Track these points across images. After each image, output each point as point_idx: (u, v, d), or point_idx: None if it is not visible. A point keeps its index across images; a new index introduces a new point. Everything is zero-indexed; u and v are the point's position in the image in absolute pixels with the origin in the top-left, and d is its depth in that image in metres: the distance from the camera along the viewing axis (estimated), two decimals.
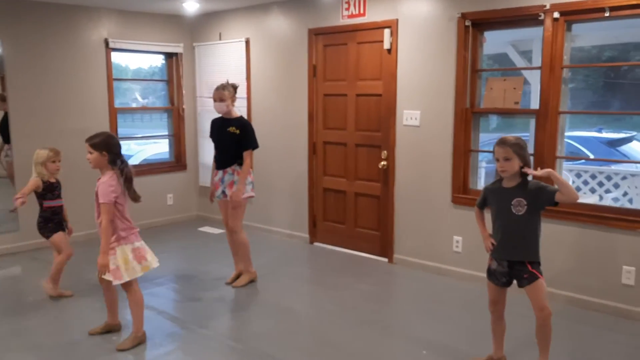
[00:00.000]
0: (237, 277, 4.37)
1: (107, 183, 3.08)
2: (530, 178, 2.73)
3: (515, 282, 2.79)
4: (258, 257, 4.54)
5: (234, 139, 4.12)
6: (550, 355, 2.78)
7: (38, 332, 3.50)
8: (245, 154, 4.11)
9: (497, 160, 2.72)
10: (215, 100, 4.16)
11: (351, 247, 5.24)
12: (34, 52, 5.23)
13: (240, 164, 4.14)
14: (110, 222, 3.07)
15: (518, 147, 2.67)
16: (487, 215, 2.95)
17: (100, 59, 5.69)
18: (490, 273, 2.86)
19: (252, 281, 4.33)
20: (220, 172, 4.23)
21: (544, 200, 2.66)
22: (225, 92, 4.13)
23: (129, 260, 3.16)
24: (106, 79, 5.74)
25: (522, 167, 2.69)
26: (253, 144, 4.16)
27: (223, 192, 4.21)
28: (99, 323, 3.47)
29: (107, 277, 3.14)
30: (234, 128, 4.12)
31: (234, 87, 4.22)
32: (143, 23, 5.99)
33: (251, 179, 4.20)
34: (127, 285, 3.20)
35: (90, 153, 3.11)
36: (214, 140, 4.31)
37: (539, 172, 2.62)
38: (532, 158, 4.08)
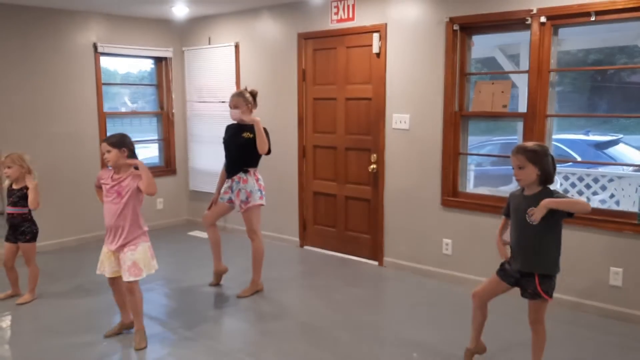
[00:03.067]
0: (219, 275, 4.41)
1: (138, 175, 3.23)
2: (552, 187, 2.64)
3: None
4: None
5: (247, 145, 4.03)
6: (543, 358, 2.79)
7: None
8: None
9: (514, 168, 2.65)
10: (230, 107, 4.09)
11: (341, 251, 5.25)
12: (21, 56, 5.19)
13: (246, 171, 4.08)
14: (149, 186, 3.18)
15: (533, 154, 2.58)
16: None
17: (89, 63, 5.66)
18: (502, 269, 2.80)
19: (257, 292, 4.25)
20: (229, 181, 4.17)
21: (560, 211, 2.55)
22: (241, 99, 4.05)
23: (148, 256, 3.28)
24: (95, 83, 5.71)
25: (539, 175, 2.59)
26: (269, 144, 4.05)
27: (230, 198, 4.17)
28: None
29: (127, 277, 3.19)
30: (248, 133, 4.04)
31: (253, 94, 4.13)
32: (132, 27, 5.97)
33: (261, 188, 4.13)
34: (135, 284, 3.24)
35: (109, 152, 3.20)
36: (225, 146, 4.21)
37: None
38: None
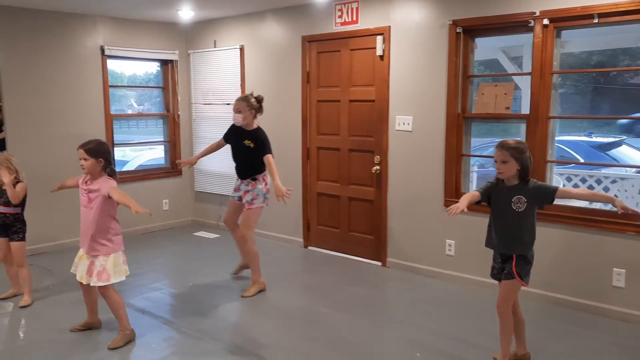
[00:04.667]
0: (242, 267, 4.57)
1: (109, 181, 3.22)
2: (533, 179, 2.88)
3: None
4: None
5: (249, 152, 4.11)
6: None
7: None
8: (266, 160, 4.05)
9: (496, 162, 2.85)
10: (233, 110, 4.14)
11: (345, 251, 5.28)
12: (30, 59, 5.25)
13: (255, 178, 4.16)
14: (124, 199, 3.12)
15: (516, 150, 2.79)
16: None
17: (96, 66, 5.72)
18: (493, 274, 3.01)
19: (261, 291, 4.29)
20: (238, 180, 4.29)
21: (542, 198, 2.83)
22: (244, 104, 4.07)
23: (119, 263, 3.28)
24: (102, 85, 5.77)
25: (519, 170, 2.80)
26: (269, 150, 4.09)
27: (239, 197, 4.26)
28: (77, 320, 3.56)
29: (93, 281, 3.20)
30: (248, 141, 4.10)
31: (258, 100, 4.15)
32: (139, 30, 6.04)
33: (267, 192, 4.18)
34: (105, 289, 3.25)
35: (85, 160, 3.19)
36: (232, 147, 4.28)
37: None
38: None
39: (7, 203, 3.92)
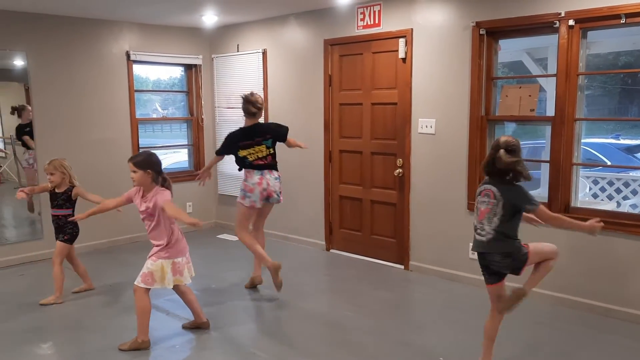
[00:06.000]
0: (252, 283, 4.51)
1: (163, 193, 3.28)
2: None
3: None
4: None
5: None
6: None
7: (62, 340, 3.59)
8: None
9: None
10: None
11: (367, 254, 5.27)
12: (58, 64, 5.39)
13: (241, 171, 4.37)
14: (176, 214, 3.20)
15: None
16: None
17: (122, 71, 5.84)
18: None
19: (255, 284, 4.47)
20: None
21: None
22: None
23: (167, 272, 3.30)
24: (128, 90, 5.89)
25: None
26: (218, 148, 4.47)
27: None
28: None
29: (137, 280, 3.26)
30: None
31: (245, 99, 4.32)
32: (163, 36, 6.14)
33: (245, 188, 4.24)
34: (136, 289, 3.29)
35: (135, 172, 3.26)
36: None
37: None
38: (547, 165, 4.11)
39: (60, 206, 4.12)
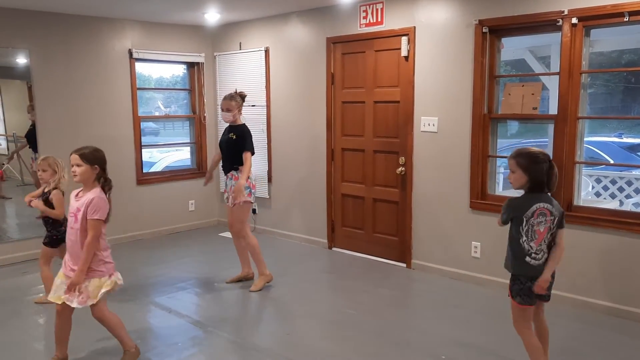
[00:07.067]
0: (240, 279, 4.52)
1: (102, 198, 2.89)
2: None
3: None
4: (277, 262, 4.60)
5: (232, 144, 4.28)
6: None
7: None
8: (244, 156, 4.23)
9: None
10: (222, 110, 4.34)
11: (369, 253, 5.27)
12: (61, 62, 5.40)
13: (237, 169, 4.29)
14: (96, 240, 2.85)
15: (523, 158, 2.61)
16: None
17: (125, 68, 5.84)
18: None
19: (267, 283, 4.39)
20: (225, 178, 4.43)
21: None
22: (233, 102, 4.30)
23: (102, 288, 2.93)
24: (130, 88, 5.89)
25: (527, 182, 2.61)
26: (249, 147, 4.26)
27: (228, 197, 4.36)
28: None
29: (70, 302, 2.86)
30: (233, 134, 4.30)
31: (242, 97, 4.38)
32: (166, 34, 6.14)
33: (249, 185, 4.26)
34: (99, 311, 2.96)
35: (79, 166, 2.86)
36: (219, 145, 4.50)
37: None
38: None
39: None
